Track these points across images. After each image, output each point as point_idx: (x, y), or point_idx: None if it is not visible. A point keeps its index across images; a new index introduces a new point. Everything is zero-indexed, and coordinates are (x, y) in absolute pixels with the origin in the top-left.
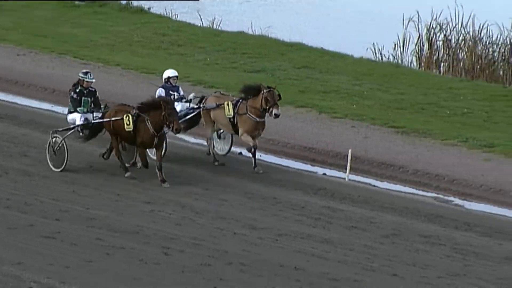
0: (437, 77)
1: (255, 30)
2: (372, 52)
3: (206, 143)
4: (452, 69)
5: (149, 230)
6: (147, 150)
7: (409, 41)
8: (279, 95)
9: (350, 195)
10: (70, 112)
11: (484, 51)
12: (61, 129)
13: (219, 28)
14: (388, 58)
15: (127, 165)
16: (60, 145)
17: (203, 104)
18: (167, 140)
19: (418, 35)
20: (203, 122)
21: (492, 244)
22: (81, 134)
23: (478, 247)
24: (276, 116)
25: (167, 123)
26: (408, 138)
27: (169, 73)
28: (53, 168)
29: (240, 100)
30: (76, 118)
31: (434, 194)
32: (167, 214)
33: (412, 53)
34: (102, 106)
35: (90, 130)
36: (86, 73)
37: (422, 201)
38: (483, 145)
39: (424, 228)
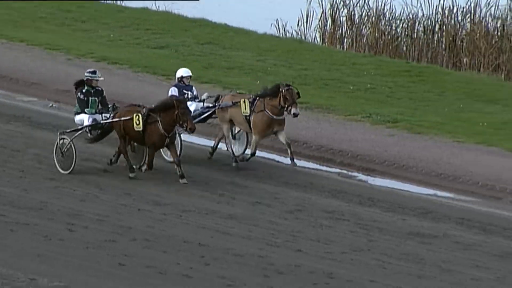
0: (341, 53)
1: (158, 6)
2: (276, 28)
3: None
4: (356, 45)
5: (53, 206)
6: (162, 151)
7: (312, 16)
8: (298, 93)
9: (254, 171)
10: (77, 113)
11: (387, 27)
12: (68, 130)
13: (123, 4)
14: (292, 34)
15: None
16: (68, 147)
17: (218, 102)
18: (182, 140)
19: (321, 10)
20: (218, 122)
21: (396, 219)
22: (89, 135)
23: (382, 223)
24: (295, 115)
25: (181, 122)
26: (312, 114)
27: (183, 72)
28: (60, 170)
29: (257, 98)
30: (84, 119)
31: (337, 170)
32: (71, 190)
33: (316, 29)
34: (109, 105)
35: (99, 131)
36: (93, 72)
37: (326, 177)
38: (387, 121)
39: (328, 203)
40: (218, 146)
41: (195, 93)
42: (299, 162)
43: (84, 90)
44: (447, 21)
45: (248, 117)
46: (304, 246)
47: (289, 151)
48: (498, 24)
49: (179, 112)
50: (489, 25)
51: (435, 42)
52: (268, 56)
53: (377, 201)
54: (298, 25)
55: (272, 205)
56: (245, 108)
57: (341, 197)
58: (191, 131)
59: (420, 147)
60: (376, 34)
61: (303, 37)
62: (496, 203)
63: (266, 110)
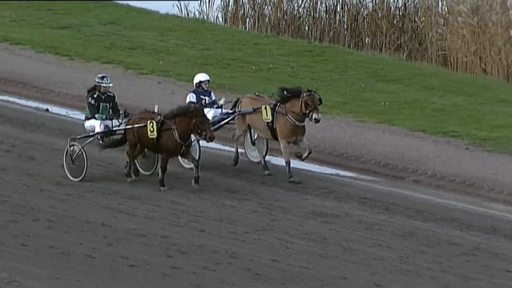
0: (243, 33)
1: None
2: (178, 8)
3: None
4: (258, 25)
5: None
6: (180, 159)
7: None
8: (319, 99)
9: None
10: (87, 118)
11: (289, 7)
12: (79, 136)
13: None
14: (194, 14)
15: (145, 172)
16: (78, 154)
17: (238, 108)
18: (201, 147)
19: None
20: (234, 127)
21: (299, 199)
22: (100, 142)
23: (284, 202)
24: (316, 121)
25: (199, 131)
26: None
27: (201, 77)
28: (71, 178)
29: (278, 104)
30: (95, 125)
31: (240, 150)
32: None
33: (218, 9)
34: (121, 112)
35: (113, 139)
36: (102, 78)
37: (229, 157)
38: None
39: (231, 183)
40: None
41: (213, 98)
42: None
43: (95, 95)
44: (349, 1)
45: (269, 124)
46: (207, 226)
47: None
48: (400, 4)
49: (197, 120)
50: (391, 5)
51: (337, 22)
52: (171, 36)
53: (279, 180)
54: (200, 5)
55: (175, 185)
56: (267, 115)
57: (243, 177)
58: (210, 140)
59: (322, 126)
60: (278, 14)
61: (205, 17)
62: (398, 183)
63: (288, 116)
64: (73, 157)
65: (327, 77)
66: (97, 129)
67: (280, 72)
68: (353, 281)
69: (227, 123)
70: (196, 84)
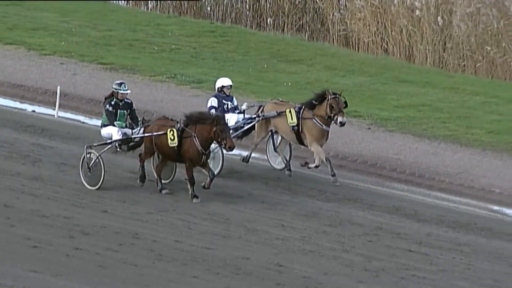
0: (145, 14)
1: None
2: None
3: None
4: (160, 6)
5: None
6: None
7: None
8: (345, 102)
9: (59, 132)
10: (104, 125)
11: None
12: (96, 144)
13: None
14: None
15: (164, 181)
16: (95, 162)
17: (261, 113)
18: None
19: None
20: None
21: (202, 179)
22: (118, 149)
23: (187, 183)
24: (342, 124)
25: (219, 140)
26: (117, 75)
27: (223, 82)
28: (87, 186)
29: (303, 107)
30: (113, 132)
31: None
32: None
33: None
34: (139, 119)
35: (129, 144)
36: (120, 84)
37: None
38: (191, 81)
39: (134, 164)
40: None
41: (235, 103)
42: (97, 122)
43: (112, 102)
44: None
45: (295, 128)
46: (110, 207)
47: (314, 163)
48: None
49: (217, 129)
50: None
51: (239, 2)
52: (73, 17)
53: (181, 165)
54: None
55: (77, 166)
56: (292, 118)
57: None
58: (230, 149)
59: None
60: None
61: None
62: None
63: (315, 119)
64: (90, 165)
65: (230, 58)
66: (115, 137)
67: (182, 52)
68: (255, 261)
69: (251, 129)
70: (218, 88)
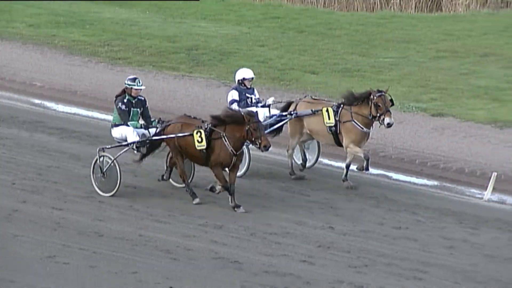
0: None
1: None
2: None
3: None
4: None
5: None
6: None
7: None
8: (391, 100)
9: None
10: (115, 125)
11: None
12: (109, 146)
13: None
14: None
15: (178, 185)
16: (110, 166)
17: (293, 110)
18: (251, 155)
19: None
20: (289, 132)
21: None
22: (135, 152)
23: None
24: (389, 125)
25: (253, 139)
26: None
27: (245, 73)
28: (100, 193)
29: (342, 106)
30: (127, 133)
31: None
32: None
33: None
34: (153, 119)
35: (148, 146)
36: (134, 80)
37: None
38: None
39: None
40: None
41: (257, 96)
42: None
43: (125, 100)
44: None
45: (332, 128)
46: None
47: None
48: None
49: (250, 127)
50: None
51: None
52: None
53: None
54: None
55: None
56: (329, 118)
57: None
58: (266, 148)
59: None
60: None
61: None
62: None
63: (354, 120)
64: (104, 170)
65: None
66: (132, 138)
67: None
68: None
69: (281, 127)
70: (238, 81)
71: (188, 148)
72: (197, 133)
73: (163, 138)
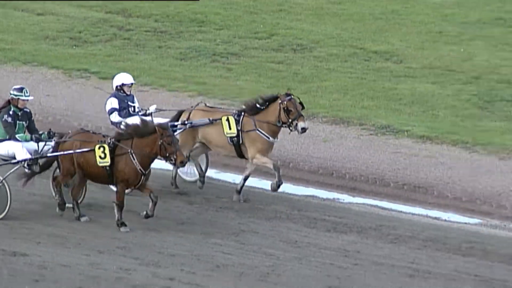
0: None
1: None
2: None
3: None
4: None
5: None
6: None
7: None
8: (300, 103)
9: None
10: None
11: None
12: None
13: None
14: None
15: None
16: None
17: (187, 120)
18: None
19: None
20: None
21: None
22: (27, 170)
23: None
24: (304, 130)
25: (168, 154)
26: None
27: (124, 79)
28: None
29: (243, 114)
30: (16, 149)
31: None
32: None
33: None
34: (42, 132)
35: (42, 164)
36: (21, 90)
37: None
38: None
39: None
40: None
41: (136, 104)
42: None
43: (10, 112)
44: None
45: (233, 139)
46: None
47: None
48: None
49: (164, 142)
50: None
51: None
52: None
53: None
54: None
55: None
56: (230, 128)
57: None
58: (182, 164)
59: None
60: None
61: None
62: None
63: (259, 129)
64: None
65: None
66: (22, 155)
67: None
68: None
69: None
70: (117, 87)
71: (89, 166)
72: (99, 148)
73: (61, 154)
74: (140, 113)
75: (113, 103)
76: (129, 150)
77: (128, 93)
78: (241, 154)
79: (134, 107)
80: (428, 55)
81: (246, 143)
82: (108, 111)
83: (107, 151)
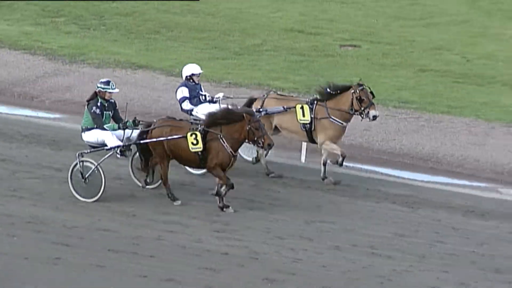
0: None
1: None
2: None
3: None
4: None
5: None
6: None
7: None
8: (371, 92)
9: None
10: (87, 129)
11: None
12: (88, 150)
13: None
14: None
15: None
16: (93, 172)
17: (261, 107)
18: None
19: None
20: None
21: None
22: (118, 156)
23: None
24: (375, 118)
25: (256, 138)
26: None
27: (193, 69)
28: (79, 198)
29: (316, 102)
30: (107, 137)
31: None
32: None
33: None
34: (128, 120)
35: (142, 152)
36: (107, 83)
37: None
38: None
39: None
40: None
41: (203, 91)
42: None
43: (98, 104)
44: None
45: (306, 126)
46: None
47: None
48: None
49: (252, 127)
50: None
51: None
52: None
53: None
54: None
55: None
56: (303, 115)
57: None
58: (270, 147)
59: None
60: None
61: None
62: None
63: (332, 117)
64: (85, 175)
65: None
66: (113, 142)
67: None
68: None
69: None
70: (187, 76)
71: (181, 151)
72: (191, 135)
73: (153, 141)
74: (207, 100)
75: (184, 92)
76: (219, 136)
77: (197, 82)
78: (312, 140)
79: (204, 95)
80: None
81: (317, 130)
82: (180, 100)
83: (199, 138)
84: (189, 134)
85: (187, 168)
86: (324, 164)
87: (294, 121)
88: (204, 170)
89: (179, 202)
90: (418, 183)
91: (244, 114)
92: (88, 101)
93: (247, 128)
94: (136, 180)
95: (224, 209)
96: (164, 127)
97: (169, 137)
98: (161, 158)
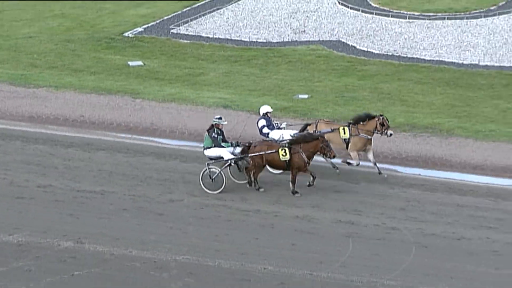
0: None
1: None
2: None
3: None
4: None
5: None
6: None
7: None
8: (387, 119)
9: None
10: (208, 147)
11: None
12: (212, 161)
13: None
14: None
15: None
16: (217, 174)
17: (313, 130)
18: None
19: None
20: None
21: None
22: (231, 165)
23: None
24: (391, 135)
25: (325, 152)
26: None
27: (268, 108)
28: (208, 191)
29: (350, 125)
30: (223, 153)
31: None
32: None
33: None
34: (232, 142)
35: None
36: (220, 118)
37: None
38: None
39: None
40: None
41: (275, 122)
42: None
43: (215, 131)
44: None
45: (346, 140)
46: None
47: (376, 166)
48: None
49: (323, 144)
50: None
51: None
52: None
53: None
54: None
55: None
56: (345, 133)
57: None
58: (334, 157)
59: None
60: None
61: None
62: None
63: (362, 134)
64: (213, 177)
65: None
66: (228, 155)
67: None
68: None
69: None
70: (263, 113)
71: (274, 160)
72: (282, 150)
73: (256, 155)
74: (277, 128)
75: (262, 122)
76: (299, 150)
77: (269, 117)
78: (347, 148)
79: (278, 124)
80: None
81: (351, 142)
82: (261, 127)
83: (287, 152)
84: (280, 149)
85: (272, 170)
86: (375, 164)
87: (338, 137)
88: (281, 171)
89: (262, 189)
90: None
91: (320, 137)
92: (208, 130)
93: (321, 145)
94: (235, 180)
95: (296, 194)
96: (262, 145)
97: (268, 152)
98: (258, 166)
